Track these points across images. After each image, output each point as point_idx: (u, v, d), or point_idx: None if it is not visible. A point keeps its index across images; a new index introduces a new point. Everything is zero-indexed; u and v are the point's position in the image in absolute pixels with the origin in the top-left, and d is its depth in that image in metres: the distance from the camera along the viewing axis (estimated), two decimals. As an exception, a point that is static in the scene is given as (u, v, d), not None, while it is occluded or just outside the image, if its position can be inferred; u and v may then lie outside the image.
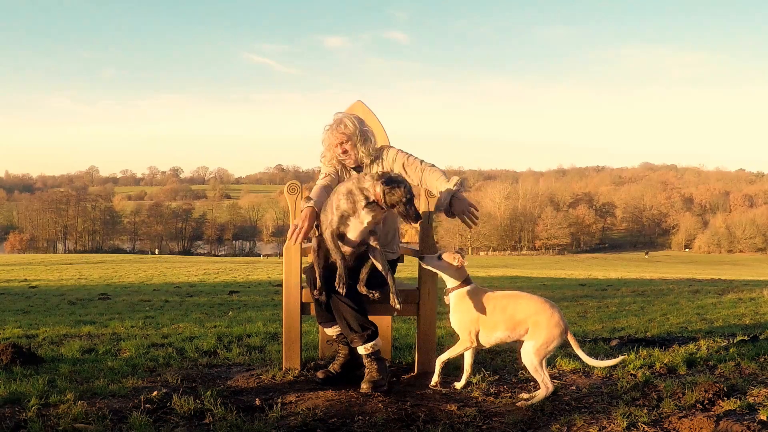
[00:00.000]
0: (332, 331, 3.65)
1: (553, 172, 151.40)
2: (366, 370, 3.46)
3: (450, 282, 3.42)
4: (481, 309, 3.34)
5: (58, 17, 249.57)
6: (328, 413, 3.02)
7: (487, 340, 3.37)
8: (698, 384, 3.24)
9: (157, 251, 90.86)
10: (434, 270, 3.47)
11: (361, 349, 3.46)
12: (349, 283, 3.41)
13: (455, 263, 3.38)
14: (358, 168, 3.76)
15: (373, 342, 3.46)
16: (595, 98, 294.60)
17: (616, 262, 68.96)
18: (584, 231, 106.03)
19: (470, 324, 3.36)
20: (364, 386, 3.37)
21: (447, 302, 3.46)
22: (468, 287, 3.41)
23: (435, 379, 3.48)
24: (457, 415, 2.99)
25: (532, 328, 3.26)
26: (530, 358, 3.23)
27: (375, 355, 3.47)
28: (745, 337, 4.80)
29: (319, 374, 3.55)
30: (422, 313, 3.78)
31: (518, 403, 3.16)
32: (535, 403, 3.14)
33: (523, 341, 3.29)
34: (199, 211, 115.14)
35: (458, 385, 3.45)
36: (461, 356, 3.46)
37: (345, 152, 3.69)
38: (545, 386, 3.20)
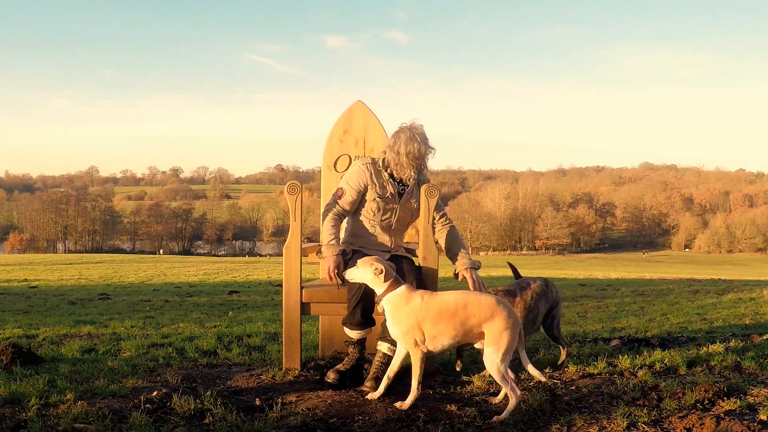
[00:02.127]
0: (357, 335, 3.58)
1: (553, 172, 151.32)
2: (372, 369, 3.47)
3: (377, 289, 3.22)
4: (422, 314, 3.11)
5: (58, 17, 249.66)
6: (328, 413, 3.02)
7: (434, 348, 3.16)
8: (698, 384, 3.24)
9: (161, 251, 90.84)
10: (357, 282, 3.29)
11: (385, 348, 3.49)
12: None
13: (372, 272, 3.19)
14: (402, 184, 3.76)
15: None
16: (595, 98, 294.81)
17: (616, 262, 68.94)
18: (584, 231, 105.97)
19: (411, 331, 3.12)
20: (368, 384, 3.37)
21: (380, 311, 3.26)
22: (399, 290, 3.18)
23: (378, 392, 3.25)
24: (457, 415, 2.99)
25: (490, 334, 3.07)
26: (496, 366, 3.04)
27: (388, 358, 3.50)
28: (745, 338, 4.80)
29: (331, 375, 3.46)
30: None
31: (493, 420, 2.92)
32: (508, 416, 2.95)
33: (482, 347, 3.10)
34: (199, 211, 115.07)
35: (405, 404, 3.10)
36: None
37: (424, 167, 3.74)
38: (514, 394, 3.02)
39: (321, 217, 3.79)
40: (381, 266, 3.19)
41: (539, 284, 3.88)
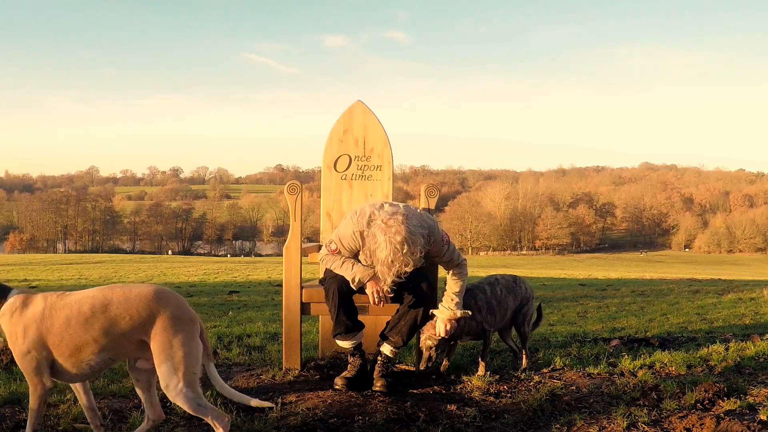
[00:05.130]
0: (347, 344, 3.53)
1: (553, 172, 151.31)
2: (378, 369, 3.49)
3: None
4: (44, 325, 2.31)
5: (57, 17, 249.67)
6: (328, 413, 3.02)
7: (74, 375, 2.37)
8: (698, 384, 3.24)
9: (170, 252, 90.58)
10: None
11: (388, 351, 3.50)
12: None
13: None
14: None
15: (399, 349, 3.54)
16: (595, 98, 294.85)
17: (616, 262, 68.96)
18: (584, 231, 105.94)
19: (30, 357, 2.31)
20: (379, 383, 3.40)
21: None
22: (10, 298, 2.37)
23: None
24: (457, 415, 2.99)
25: (156, 343, 2.28)
26: (182, 392, 2.25)
27: (389, 359, 3.53)
28: (745, 338, 4.80)
29: (339, 381, 3.44)
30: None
31: None
32: None
33: (149, 366, 2.39)
34: (199, 211, 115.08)
35: None
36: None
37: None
38: (221, 422, 2.33)
39: (323, 264, 3.51)
40: None
41: (508, 279, 3.88)
